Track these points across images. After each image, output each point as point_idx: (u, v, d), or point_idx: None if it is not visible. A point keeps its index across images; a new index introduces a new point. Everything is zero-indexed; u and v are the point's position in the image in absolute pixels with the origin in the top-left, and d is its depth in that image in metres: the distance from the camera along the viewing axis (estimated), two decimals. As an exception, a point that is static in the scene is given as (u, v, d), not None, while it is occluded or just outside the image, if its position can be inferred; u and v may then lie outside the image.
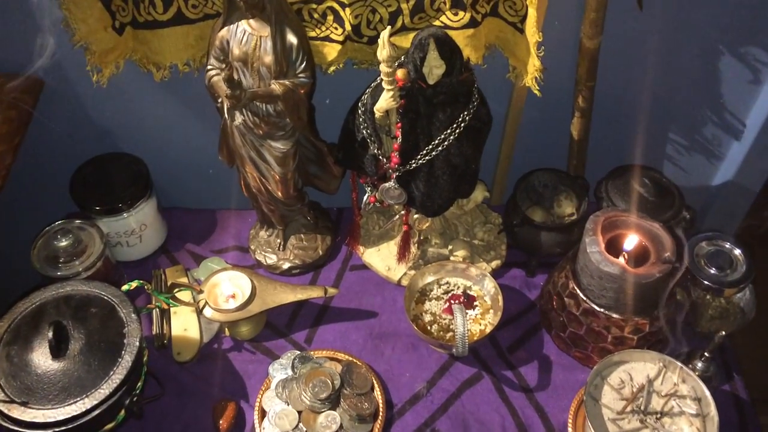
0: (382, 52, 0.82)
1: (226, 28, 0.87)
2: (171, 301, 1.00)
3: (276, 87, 0.88)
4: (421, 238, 1.14)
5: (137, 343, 0.87)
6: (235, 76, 0.86)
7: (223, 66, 0.82)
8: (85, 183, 1.09)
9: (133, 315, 0.89)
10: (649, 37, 1.10)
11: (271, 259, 1.15)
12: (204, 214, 1.24)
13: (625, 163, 1.18)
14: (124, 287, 0.93)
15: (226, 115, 0.91)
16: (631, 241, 0.95)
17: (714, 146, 1.29)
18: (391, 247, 1.16)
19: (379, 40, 0.83)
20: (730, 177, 1.31)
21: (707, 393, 0.90)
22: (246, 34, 0.86)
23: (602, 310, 0.96)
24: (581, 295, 0.97)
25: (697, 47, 1.13)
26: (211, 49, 0.89)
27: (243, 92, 0.86)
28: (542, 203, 1.13)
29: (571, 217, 1.11)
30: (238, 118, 0.90)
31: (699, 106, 1.22)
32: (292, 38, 0.86)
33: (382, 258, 1.16)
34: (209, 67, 0.90)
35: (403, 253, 1.12)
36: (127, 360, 0.85)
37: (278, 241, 1.15)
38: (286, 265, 1.15)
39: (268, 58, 0.86)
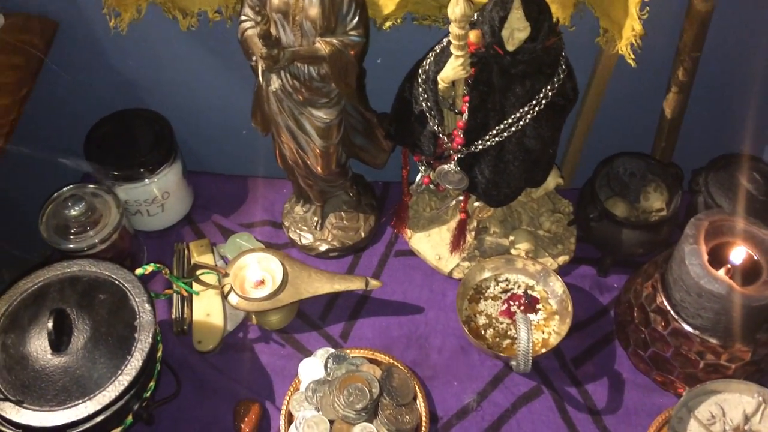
0: (455, 9, 0.66)
1: (264, -30, 0.71)
2: (192, 288, 0.87)
3: (321, 46, 0.73)
4: (480, 226, 0.98)
5: (150, 340, 0.75)
6: (273, 32, 0.70)
7: (259, 18, 0.66)
8: (102, 143, 0.96)
9: (146, 305, 0.77)
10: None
11: (306, 238, 1.02)
12: (234, 180, 1.11)
13: (725, 150, 1.00)
14: (139, 271, 0.81)
15: (260, 78, 0.76)
16: (739, 254, 0.79)
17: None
18: (443, 233, 1.02)
19: (452, -8, 0.66)
20: None
21: (817, 439, 0.74)
22: (288, -20, 0.70)
23: (697, 332, 0.80)
24: (672, 312, 0.82)
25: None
26: (247, -5, 0.74)
27: (281, 51, 0.71)
28: (626, 194, 0.96)
29: (659, 213, 0.94)
30: (275, 83, 0.75)
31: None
32: (343, -14, 0.70)
33: (432, 245, 1.02)
34: (243, 17, 0.75)
35: (457, 243, 0.98)
36: (137, 358, 0.74)
37: (315, 219, 1.02)
38: (323, 247, 1.02)
39: (314, 11, 0.71)
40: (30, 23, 0.90)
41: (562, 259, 1.00)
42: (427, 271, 1.02)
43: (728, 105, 1.03)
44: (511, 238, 1.00)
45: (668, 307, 0.82)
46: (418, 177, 0.93)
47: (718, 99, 1.03)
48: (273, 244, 1.04)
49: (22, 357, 0.73)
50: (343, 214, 1.03)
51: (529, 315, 0.93)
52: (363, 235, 1.03)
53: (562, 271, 1.01)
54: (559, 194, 1.06)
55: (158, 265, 0.83)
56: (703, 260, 0.77)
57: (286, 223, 1.04)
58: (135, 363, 0.74)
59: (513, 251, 0.99)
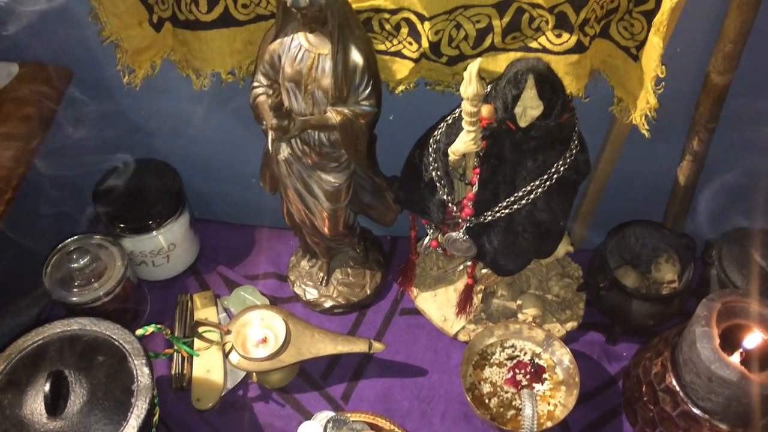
0: (468, 88, 0.65)
1: (278, 40, 0.71)
2: (192, 350, 0.86)
3: (333, 115, 0.72)
4: (487, 290, 0.97)
5: (146, 405, 0.74)
6: (285, 100, 0.70)
7: (271, 91, 0.66)
8: (111, 194, 0.96)
9: (145, 368, 0.76)
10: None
11: (311, 294, 1.01)
12: (241, 230, 1.10)
13: (739, 222, 0.98)
14: (139, 332, 0.80)
15: (270, 146, 0.76)
16: (754, 340, 0.77)
17: None
18: (449, 294, 1.00)
19: (465, 73, 0.66)
20: None
21: None
22: (302, 50, 0.70)
23: (707, 416, 0.78)
24: (681, 393, 0.80)
25: None
26: (260, 63, 0.73)
27: (292, 122, 0.70)
28: (637, 264, 0.94)
29: (671, 285, 0.93)
30: (285, 151, 0.75)
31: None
32: (356, 58, 0.70)
33: (438, 305, 1.00)
34: (255, 84, 0.75)
35: (463, 307, 0.96)
36: (132, 425, 0.73)
37: (321, 274, 1.01)
38: (328, 303, 1.00)
39: (326, 81, 0.70)
40: (44, 72, 0.90)
41: (570, 325, 0.98)
42: (432, 332, 1.00)
43: (743, 176, 1.02)
44: (519, 302, 0.98)
45: (678, 388, 0.80)
46: (426, 239, 0.92)
47: (733, 170, 1.01)
48: (278, 297, 1.03)
49: (18, 420, 0.72)
50: (349, 270, 1.02)
51: (535, 385, 0.91)
52: (368, 292, 1.02)
53: (570, 337, 0.99)
54: (569, 257, 1.05)
55: (159, 326, 0.82)
56: (715, 344, 0.75)
57: (292, 277, 1.03)
58: (130, 430, 0.72)
59: (520, 316, 0.97)
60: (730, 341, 0.78)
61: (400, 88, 0.86)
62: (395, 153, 0.89)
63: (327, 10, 0.64)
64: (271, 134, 0.73)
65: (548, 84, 0.69)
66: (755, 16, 0.80)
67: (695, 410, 0.79)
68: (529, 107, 0.70)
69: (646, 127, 0.85)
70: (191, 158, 1.06)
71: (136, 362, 0.77)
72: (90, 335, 0.79)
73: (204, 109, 1.00)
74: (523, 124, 0.71)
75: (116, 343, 0.78)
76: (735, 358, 0.77)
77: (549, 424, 0.86)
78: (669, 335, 0.86)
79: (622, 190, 1.07)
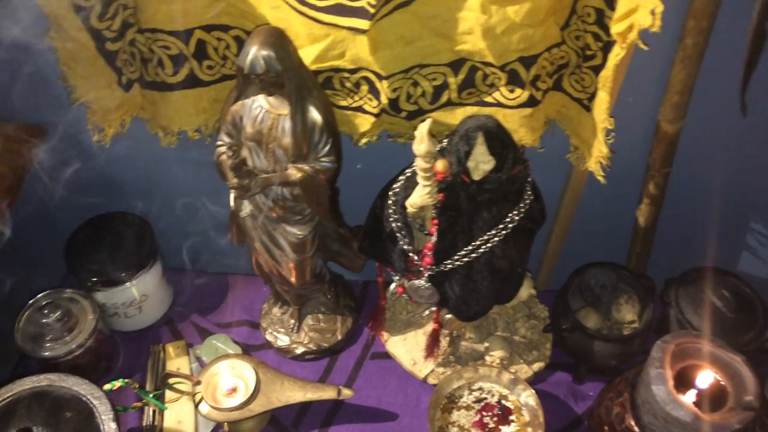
0: (420, 147, 0.69)
1: (240, 102, 0.74)
2: (161, 403, 0.87)
3: (293, 172, 0.75)
4: (454, 333, 0.99)
5: (112, 462, 0.75)
6: (246, 155, 0.73)
7: (230, 153, 0.69)
8: (83, 249, 0.98)
9: (112, 424, 0.77)
10: (735, 121, 0.93)
11: (282, 341, 1.02)
12: (214, 279, 1.12)
13: (695, 256, 1.01)
14: (107, 387, 0.81)
15: (232, 204, 0.78)
16: (706, 379, 0.79)
17: (803, 240, 1.11)
18: (419, 337, 1.02)
19: (416, 132, 0.69)
20: (819, 275, 1.13)
21: None
22: (262, 111, 0.73)
23: (665, 456, 0.80)
24: (640, 434, 0.82)
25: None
26: (223, 124, 0.76)
27: (253, 181, 0.73)
28: (598, 306, 0.97)
29: (631, 326, 0.95)
30: (246, 208, 0.77)
31: (790, 197, 1.05)
32: (315, 118, 0.73)
33: (407, 349, 1.02)
34: (219, 142, 0.77)
35: (431, 350, 0.98)
36: (98, 483, 0.73)
37: (292, 321, 1.02)
38: (299, 350, 1.02)
39: (287, 140, 0.73)
40: (19, 132, 0.92)
41: (537, 365, 1.00)
42: (402, 376, 1.02)
43: (699, 217, 1.05)
44: (486, 344, 1.00)
45: (636, 429, 0.82)
46: (392, 286, 0.94)
47: (689, 211, 1.05)
48: (250, 345, 1.05)
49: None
50: (320, 315, 1.04)
51: (501, 427, 0.92)
52: (340, 337, 1.03)
53: (538, 377, 1.01)
54: (536, 298, 1.07)
55: (127, 380, 0.83)
56: (669, 385, 0.77)
57: (264, 324, 1.04)
58: (98, 485, 0.73)
59: (488, 358, 0.99)
60: (685, 382, 0.80)
61: (364, 140, 0.89)
62: (363, 202, 0.92)
63: (284, 75, 0.68)
64: (232, 192, 0.76)
65: (498, 140, 0.72)
66: (698, 69, 0.84)
67: (654, 451, 0.80)
68: (481, 162, 0.73)
69: (601, 173, 0.89)
70: (165, 209, 1.08)
71: (103, 417, 0.78)
72: (58, 391, 0.80)
73: (176, 160, 1.03)
74: (476, 177, 0.74)
75: (84, 398, 0.79)
76: (690, 398, 0.80)
77: (516, 466, 0.88)
78: (629, 375, 0.88)
79: (585, 232, 1.10)
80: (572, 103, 0.88)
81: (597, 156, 0.87)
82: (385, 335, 1.04)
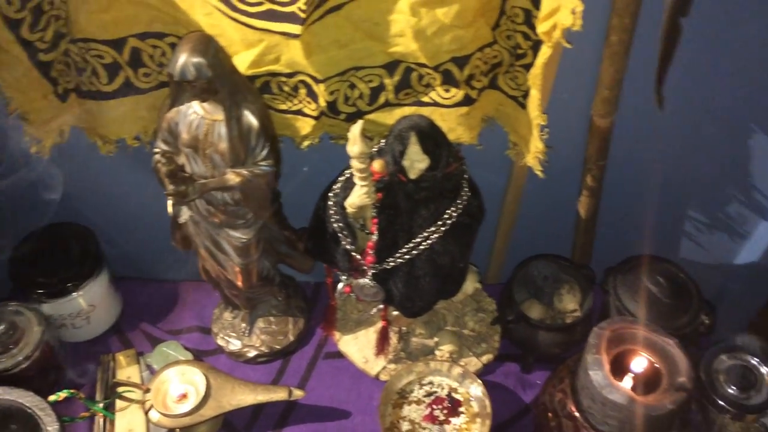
0: (353, 148, 0.70)
1: (174, 109, 0.74)
2: (107, 411, 0.87)
3: (232, 177, 0.76)
4: (404, 329, 1.01)
5: (58, 473, 0.75)
6: (186, 166, 0.73)
7: (164, 160, 0.69)
8: (27, 261, 0.97)
9: (58, 434, 0.77)
10: (668, 114, 0.96)
11: (234, 345, 1.03)
12: (164, 286, 1.12)
13: (637, 244, 1.05)
14: (51, 398, 0.81)
15: (170, 210, 0.78)
16: (640, 363, 0.82)
17: (738, 225, 1.16)
18: (370, 335, 1.04)
19: (349, 134, 0.70)
20: (755, 258, 1.18)
21: None
22: (197, 118, 0.74)
23: (605, 439, 0.83)
24: (580, 418, 0.84)
25: (725, 124, 1.00)
26: (159, 131, 0.77)
27: (190, 187, 0.73)
28: (541, 297, 1.00)
29: (573, 314, 0.98)
30: (185, 214, 0.78)
31: (723, 184, 1.09)
32: (251, 122, 0.74)
33: (359, 347, 1.03)
34: (156, 150, 0.78)
35: (381, 347, 1.00)
36: (44, 494, 0.73)
37: (244, 324, 1.03)
38: (251, 353, 1.02)
39: (223, 145, 0.74)
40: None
41: (486, 357, 1.03)
42: (355, 374, 1.03)
43: (639, 207, 1.09)
44: (436, 339, 1.02)
45: (577, 414, 0.84)
46: (340, 286, 0.96)
47: (628, 202, 1.08)
48: (202, 351, 1.05)
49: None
50: (271, 318, 1.04)
51: (451, 419, 0.94)
52: (291, 338, 1.04)
53: (488, 369, 1.03)
54: (485, 290, 1.09)
55: (72, 390, 0.83)
56: (605, 370, 0.80)
57: (215, 330, 1.05)
58: (44, 498, 0.73)
59: (437, 353, 1.01)
60: (621, 366, 0.83)
61: (306, 143, 0.90)
62: (311, 204, 0.93)
63: (216, 81, 0.68)
64: (170, 199, 0.76)
65: (430, 139, 0.74)
66: (625, 65, 0.87)
67: (595, 435, 0.83)
68: (416, 161, 0.75)
69: (540, 168, 0.91)
70: (111, 218, 1.08)
71: (48, 429, 0.77)
72: (4, 404, 0.79)
73: (120, 169, 1.02)
74: (412, 176, 0.76)
75: (28, 410, 0.79)
76: (627, 382, 0.83)
77: (465, 456, 0.90)
78: (570, 363, 0.90)
79: (531, 226, 1.13)
80: (508, 101, 0.91)
81: (534, 152, 0.90)
82: (337, 335, 1.05)
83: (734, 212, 1.13)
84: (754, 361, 0.88)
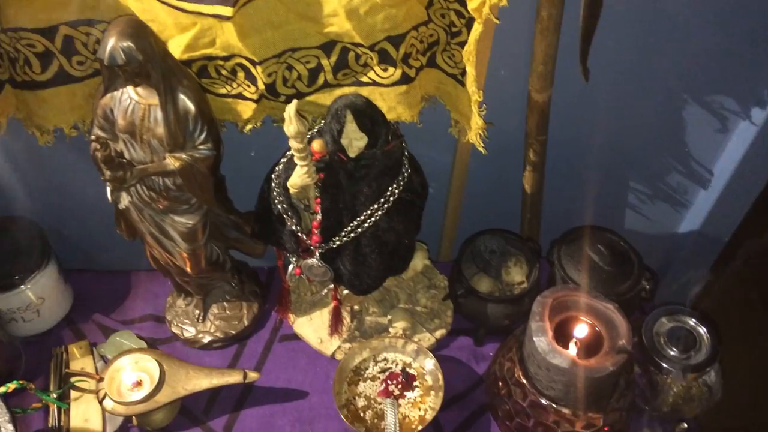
0: (289, 127, 0.71)
1: (109, 95, 0.74)
2: (59, 401, 0.87)
3: (171, 161, 0.76)
4: (356, 309, 1.02)
5: (9, 463, 0.74)
6: (125, 154, 0.73)
7: (99, 146, 0.69)
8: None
9: (9, 426, 0.77)
10: (604, 87, 0.99)
11: (189, 332, 1.03)
12: (116, 276, 1.11)
13: (583, 217, 1.08)
14: (1, 390, 0.80)
15: (109, 197, 0.78)
16: (582, 329, 0.85)
17: (679, 194, 1.19)
18: (324, 316, 1.05)
19: (285, 114, 0.71)
20: (697, 226, 1.22)
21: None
22: (132, 103, 0.73)
23: (551, 403, 0.85)
24: (528, 385, 0.87)
25: (660, 96, 1.03)
26: (95, 118, 0.76)
27: (127, 172, 0.73)
28: (489, 270, 1.02)
29: (521, 286, 1.01)
30: (125, 200, 0.78)
31: (662, 155, 1.13)
32: (187, 105, 0.74)
33: (314, 328, 1.05)
34: (92, 137, 0.77)
35: (335, 327, 1.01)
36: (-4, 484, 0.73)
37: (197, 311, 1.03)
38: (206, 339, 1.03)
39: (160, 130, 0.74)
40: None
41: (440, 333, 1.05)
42: (311, 355, 1.04)
43: (583, 180, 1.12)
44: (389, 317, 1.04)
45: (524, 381, 0.87)
46: (290, 268, 0.96)
47: (572, 176, 1.11)
48: (156, 339, 1.05)
49: None
50: (225, 303, 1.05)
51: (406, 393, 0.96)
52: (246, 323, 1.05)
53: (441, 344, 1.05)
54: (437, 267, 1.11)
55: (21, 382, 0.82)
56: (548, 336, 0.83)
57: (169, 317, 1.05)
58: (-6, 489, 0.73)
59: (391, 330, 1.03)
60: (565, 333, 0.86)
61: (248, 127, 0.90)
62: (257, 189, 0.93)
63: (147, 64, 0.68)
64: (108, 186, 0.76)
65: (367, 117, 0.75)
66: (557, 39, 0.89)
67: (541, 399, 0.86)
68: (354, 139, 0.76)
69: (482, 145, 0.93)
70: (56, 210, 1.07)
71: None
72: (-50, 399, 0.78)
73: (62, 160, 1.01)
74: (352, 154, 0.77)
75: (-24, 404, 0.78)
76: (571, 348, 0.85)
77: (420, 427, 0.92)
78: (517, 333, 0.93)
79: (480, 203, 1.15)
80: (448, 79, 0.92)
81: (475, 128, 0.91)
82: (291, 317, 1.06)
83: (674, 182, 1.17)
84: (693, 322, 0.92)
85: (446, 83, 0.93)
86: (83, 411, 0.94)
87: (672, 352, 0.91)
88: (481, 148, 0.93)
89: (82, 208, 1.08)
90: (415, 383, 0.97)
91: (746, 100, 1.02)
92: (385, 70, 0.85)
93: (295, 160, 0.75)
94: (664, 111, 1.05)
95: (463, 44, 0.86)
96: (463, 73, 0.89)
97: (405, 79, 0.86)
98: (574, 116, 1.04)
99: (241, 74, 0.83)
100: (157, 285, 1.10)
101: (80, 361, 0.99)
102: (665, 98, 1.03)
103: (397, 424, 0.84)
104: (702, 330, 0.91)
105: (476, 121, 0.89)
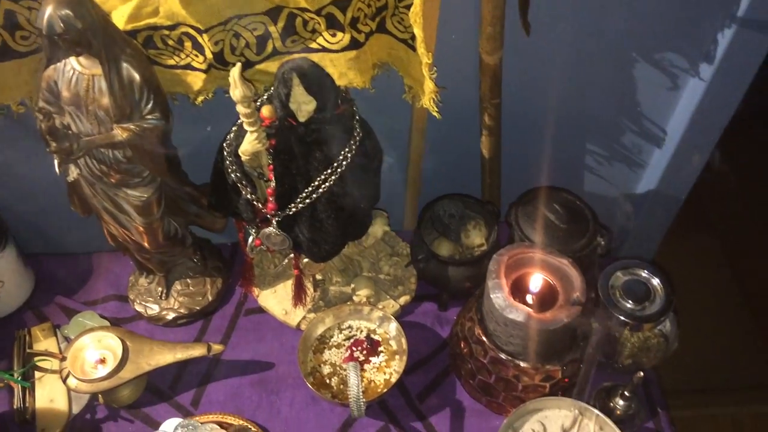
0: (235, 92, 0.71)
1: (52, 66, 0.73)
2: (23, 382, 0.87)
3: (118, 132, 0.76)
4: (318, 278, 1.03)
5: (-30, 441, 0.74)
6: (72, 127, 0.72)
7: (41, 116, 0.69)
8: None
9: (-33, 405, 0.76)
10: (556, 49, 1.00)
11: (152, 309, 1.03)
12: (77, 259, 1.11)
13: (542, 180, 1.09)
14: (-41, 372, 0.80)
15: (57, 169, 0.78)
16: (537, 282, 0.86)
17: (635, 154, 1.21)
18: (288, 288, 1.05)
19: (229, 78, 0.71)
20: (654, 185, 1.24)
21: (624, 442, 0.82)
22: (75, 74, 0.73)
23: (510, 358, 0.87)
24: (487, 342, 0.89)
25: (610, 56, 1.04)
26: (39, 91, 0.76)
27: (74, 143, 0.73)
28: (449, 234, 1.03)
29: (480, 249, 1.02)
30: (74, 172, 0.77)
31: (616, 116, 1.14)
32: (132, 74, 0.73)
33: (278, 300, 1.05)
34: (38, 111, 0.76)
35: (298, 297, 1.02)
36: (-44, 463, 0.73)
37: (160, 288, 1.03)
38: (170, 316, 1.03)
39: (105, 100, 0.73)
40: None
41: (404, 299, 1.06)
42: (276, 327, 1.05)
43: (540, 144, 1.13)
44: (353, 285, 1.04)
45: (484, 338, 0.89)
46: (250, 239, 0.97)
47: (529, 139, 1.12)
48: (120, 318, 1.05)
49: None
50: (188, 280, 1.05)
51: (372, 358, 0.97)
52: (210, 298, 1.05)
53: (406, 310, 1.07)
54: (401, 236, 1.12)
55: (-21, 362, 0.82)
56: (505, 292, 0.84)
57: (131, 296, 1.05)
58: (-45, 467, 0.73)
59: (355, 298, 1.04)
60: (522, 289, 0.88)
61: (200, 98, 0.90)
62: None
63: (86, 33, 0.68)
64: (56, 158, 0.75)
65: (313, 80, 0.75)
66: (504, 0, 0.89)
67: (501, 355, 0.88)
68: (302, 102, 0.76)
69: (436, 109, 0.94)
70: (16, 194, 1.06)
71: (-44, 401, 0.77)
72: None
73: (14, 139, 1.00)
74: (301, 119, 0.77)
75: (-66, 385, 0.77)
76: (529, 304, 0.87)
77: (385, 390, 0.93)
78: (477, 293, 0.94)
79: (440, 171, 1.16)
80: (399, 45, 0.92)
81: (428, 93, 0.92)
82: (255, 291, 1.06)
83: (630, 143, 1.19)
84: (646, 274, 0.94)
85: (398, 49, 0.93)
86: (48, 392, 0.94)
87: (628, 305, 0.93)
88: (435, 113, 0.94)
89: (36, 189, 1.07)
90: (380, 349, 0.99)
91: (694, 57, 1.04)
92: (333, 35, 0.85)
93: (245, 126, 0.75)
94: (615, 71, 1.06)
95: (409, 7, 0.86)
96: (414, 37, 0.89)
97: (354, 44, 0.86)
98: (528, 79, 1.05)
99: (188, 44, 0.82)
100: (119, 266, 1.10)
101: (44, 343, 0.99)
102: (615, 58, 1.04)
103: (360, 386, 0.85)
104: (656, 281, 0.93)
105: (429, 85, 0.90)
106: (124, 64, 0.72)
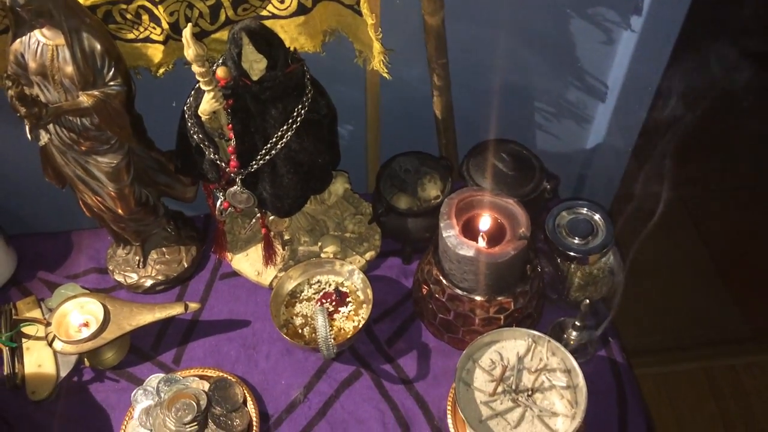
0: (188, 51, 0.77)
1: (18, 40, 0.79)
2: (10, 342, 0.92)
3: (84, 99, 0.81)
4: (286, 237, 1.09)
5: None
6: (37, 93, 0.78)
7: (10, 83, 0.74)
8: None
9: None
10: (494, 8, 1.07)
11: (131, 278, 1.09)
12: (59, 237, 1.16)
13: (485, 135, 1.16)
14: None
15: (29, 135, 0.83)
16: (486, 221, 0.93)
17: (580, 110, 1.29)
18: (259, 251, 1.11)
19: (183, 39, 0.77)
20: (601, 139, 1.32)
21: (575, 364, 0.89)
22: (40, 45, 0.78)
23: (465, 293, 0.94)
24: (444, 281, 0.95)
25: (548, 12, 1.11)
26: (8, 65, 0.81)
27: (43, 109, 0.78)
28: (406, 189, 1.10)
29: (436, 200, 1.09)
30: (44, 137, 0.83)
31: (559, 73, 1.21)
32: (92, 43, 0.79)
33: (251, 263, 1.11)
34: (6, 76, 0.82)
35: (268, 256, 1.08)
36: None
37: (137, 258, 1.09)
38: (148, 283, 1.09)
39: (69, 69, 0.79)
40: None
41: (369, 255, 1.12)
42: (250, 288, 1.11)
43: (490, 103, 1.20)
44: (320, 244, 1.11)
45: (441, 278, 0.95)
46: (218, 203, 1.02)
47: (480, 99, 1.19)
48: (100, 289, 1.10)
49: None
50: (164, 249, 1.10)
51: (340, 308, 1.03)
52: (186, 265, 1.11)
53: (372, 265, 1.13)
54: (364, 197, 1.19)
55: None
56: (456, 231, 0.91)
57: (110, 267, 1.10)
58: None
59: (323, 255, 1.10)
60: (473, 229, 0.94)
61: (161, 70, 0.96)
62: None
63: (47, 3, 0.73)
64: (26, 124, 0.81)
65: (262, 39, 0.81)
66: (438, -40, 0.96)
67: (457, 291, 0.94)
68: (253, 61, 0.82)
69: (385, 71, 1.00)
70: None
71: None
72: None
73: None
74: (254, 77, 0.83)
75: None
76: (480, 242, 0.94)
77: (354, 334, 0.99)
78: (435, 238, 1.01)
79: (398, 133, 1.22)
80: (346, 10, 0.99)
81: (377, 55, 0.98)
82: (229, 255, 1.12)
83: (574, 98, 1.26)
84: (586, 211, 1.01)
85: (345, 14, 1.00)
86: (36, 358, 0.99)
87: (575, 241, 1.00)
88: (385, 74, 1.00)
89: (19, 172, 1.12)
90: (348, 299, 1.05)
91: (625, 9, 1.11)
92: (281, 2, 0.91)
93: (201, 86, 0.81)
94: (553, 27, 1.13)
95: (353, -27, 0.93)
96: (359, 2, 0.96)
97: (302, 10, 0.92)
98: (471, 39, 1.11)
99: (145, 17, 0.88)
100: (98, 241, 1.16)
101: (28, 315, 1.04)
102: (552, 14, 1.11)
103: (327, 326, 0.91)
104: (597, 217, 1.00)
105: (377, 47, 0.96)
106: (85, 34, 0.78)
